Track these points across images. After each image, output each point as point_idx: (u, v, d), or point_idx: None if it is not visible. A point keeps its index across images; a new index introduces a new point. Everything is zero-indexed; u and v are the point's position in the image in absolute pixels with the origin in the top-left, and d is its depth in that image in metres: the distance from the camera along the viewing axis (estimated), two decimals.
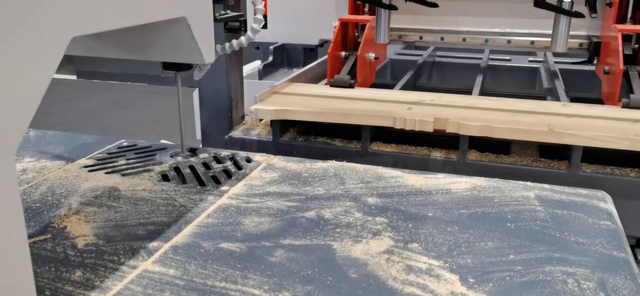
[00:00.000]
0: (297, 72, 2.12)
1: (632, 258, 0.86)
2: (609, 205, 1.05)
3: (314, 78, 2.20)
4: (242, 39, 1.13)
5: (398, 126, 1.52)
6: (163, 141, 2.59)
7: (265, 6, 2.61)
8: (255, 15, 1.08)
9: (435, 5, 2.04)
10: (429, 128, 1.48)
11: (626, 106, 1.64)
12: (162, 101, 7.05)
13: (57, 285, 0.79)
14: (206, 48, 0.97)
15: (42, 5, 0.60)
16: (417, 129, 1.50)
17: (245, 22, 1.21)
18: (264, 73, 2.83)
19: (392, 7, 1.98)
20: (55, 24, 0.62)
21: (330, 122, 1.60)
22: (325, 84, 2.03)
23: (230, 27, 1.22)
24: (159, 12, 0.82)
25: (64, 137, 1.43)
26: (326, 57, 2.02)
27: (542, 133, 1.41)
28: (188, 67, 1.18)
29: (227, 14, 1.19)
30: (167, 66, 1.17)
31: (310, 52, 3.05)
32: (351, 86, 1.88)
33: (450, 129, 1.47)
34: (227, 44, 1.14)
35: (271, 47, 2.93)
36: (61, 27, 0.63)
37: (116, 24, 0.72)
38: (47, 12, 0.61)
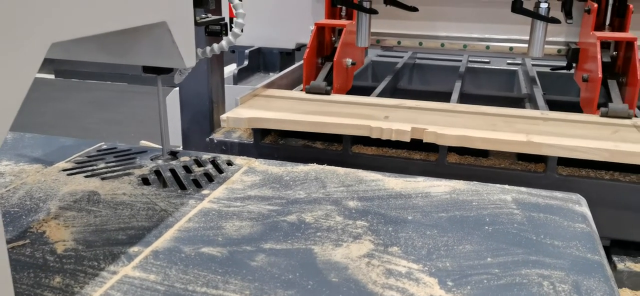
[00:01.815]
0: (273, 76, 2.11)
1: (605, 261, 0.89)
2: (583, 208, 1.07)
3: (292, 83, 2.20)
4: (223, 42, 1.13)
5: (375, 136, 1.51)
6: (143, 142, 2.58)
7: (230, 13, 2.59)
8: (236, 19, 1.09)
9: (415, 9, 2.06)
10: (406, 138, 1.48)
11: (605, 115, 1.65)
12: (142, 101, 6.99)
13: (36, 291, 0.78)
14: (187, 52, 0.97)
15: (21, 11, 0.60)
16: (394, 139, 1.50)
17: (226, 25, 1.21)
18: (239, 77, 2.80)
19: (373, 11, 1.99)
20: (34, 30, 0.62)
21: (304, 131, 1.59)
22: (301, 90, 2.01)
23: (211, 30, 1.22)
24: (139, 17, 0.81)
25: (43, 139, 1.41)
26: (300, 63, 2.00)
27: (521, 144, 1.42)
28: (169, 70, 1.18)
29: (208, 17, 1.19)
30: (147, 70, 1.16)
31: (286, 56, 3.02)
32: (327, 93, 1.87)
33: (428, 139, 1.47)
34: (208, 48, 1.14)
35: (247, 51, 2.90)
36: (41, 32, 0.63)
37: (96, 30, 0.72)
38: (26, 18, 0.60)
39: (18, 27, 0.59)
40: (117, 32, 0.81)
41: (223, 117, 1.57)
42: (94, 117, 6.32)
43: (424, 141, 1.48)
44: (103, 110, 6.60)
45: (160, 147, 1.32)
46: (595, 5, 1.81)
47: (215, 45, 1.13)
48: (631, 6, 1.80)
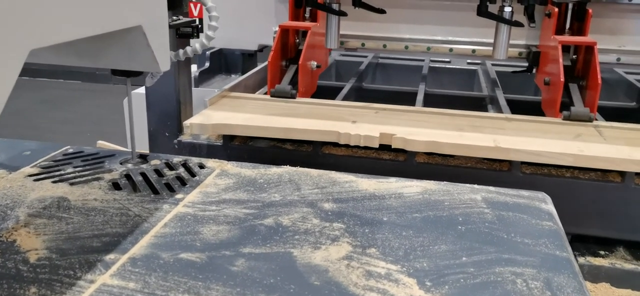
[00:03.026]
0: (236, 78, 2.08)
1: (572, 257, 0.93)
2: (549, 206, 1.11)
3: (257, 84, 2.18)
4: (197, 45, 1.12)
5: (343, 142, 1.52)
6: (100, 142, 2.52)
7: (200, 11, 2.56)
8: (210, 21, 1.08)
9: (383, 11, 2.08)
10: (375, 144, 1.49)
11: (567, 118, 1.70)
12: (96, 100, 6.82)
13: None
14: (162, 56, 0.95)
15: (0, 18, 0.58)
16: (362, 145, 1.50)
17: (197, 27, 1.20)
18: (200, 79, 2.73)
19: (342, 13, 2.00)
20: (13, 37, 0.60)
21: (271, 136, 1.57)
22: (265, 93, 1.98)
23: (182, 32, 1.21)
24: (116, 21, 0.80)
25: (4, 143, 1.37)
26: (266, 63, 1.97)
27: (489, 149, 1.45)
28: (139, 73, 1.16)
29: (179, 19, 1.18)
30: (117, 72, 1.14)
31: (249, 58, 2.97)
32: (293, 96, 1.86)
33: (397, 145, 1.49)
34: (181, 51, 1.13)
35: (208, 53, 2.83)
36: (19, 39, 0.61)
37: (75, 35, 0.71)
38: (5, 25, 0.59)
39: None
40: (93, 36, 0.80)
41: (186, 123, 1.54)
42: (46, 117, 6.12)
43: (393, 147, 1.49)
44: (55, 110, 6.41)
45: (120, 148, 1.30)
46: (556, 9, 1.87)
47: (188, 48, 1.12)
48: (590, 11, 1.86)
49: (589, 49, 1.78)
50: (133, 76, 1.16)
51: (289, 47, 2.07)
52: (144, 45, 0.91)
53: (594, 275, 1.43)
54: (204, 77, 2.79)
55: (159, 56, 0.94)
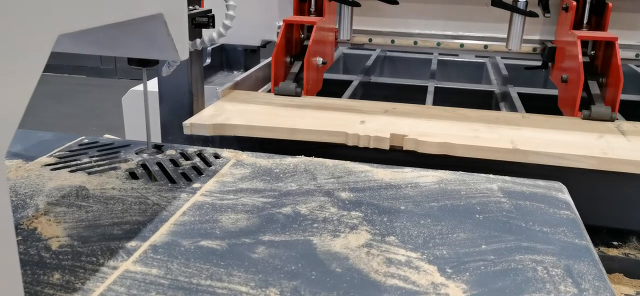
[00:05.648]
0: (239, 75, 2.04)
1: (592, 245, 0.93)
2: (566, 195, 1.12)
3: (265, 79, 2.15)
4: (214, 34, 1.13)
5: (351, 143, 1.47)
6: (107, 135, 2.52)
7: (202, 4, 2.53)
8: (227, 11, 1.08)
9: (395, 2, 2.05)
10: (385, 146, 1.45)
11: (587, 118, 1.63)
12: (101, 94, 6.83)
13: (37, 288, 0.77)
14: (181, 45, 0.96)
15: (29, 2, 0.58)
16: (371, 146, 1.46)
17: (213, 17, 1.20)
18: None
19: (355, 4, 1.98)
20: (42, 22, 0.60)
21: (274, 138, 1.52)
22: (269, 91, 1.93)
23: (198, 22, 1.21)
24: (138, 8, 0.80)
25: (20, 134, 1.37)
26: (270, 60, 1.92)
27: (507, 152, 1.39)
28: (155, 62, 1.16)
29: (195, 9, 1.18)
30: (133, 62, 1.14)
31: (251, 54, 2.93)
32: (298, 94, 1.82)
33: (408, 146, 1.44)
34: (198, 40, 1.13)
35: (209, 48, 2.80)
36: (48, 24, 0.61)
37: (100, 21, 0.71)
38: (34, 10, 0.59)
39: (25, 19, 0.58)
40: (114, 25, 0.80)
41: (186, 123, 1.50)
42: (52, 111, 6.14)
43: (404, 148, 1.46)
44: (61, 104, 6.43)
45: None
46: (574, 2, 1.81)
47: (205, 38, 1.12)
48: (610, 5, 1.80)
49: (609, 44, 1.71)
50: (149, 66, 1.16)
51: (293, 42, 2.02)
52: (164, 33, 0.91)
53: (609, 265, 1.42)
54: (206, 73, 2.74)
55: (178, 44, 0.95)
